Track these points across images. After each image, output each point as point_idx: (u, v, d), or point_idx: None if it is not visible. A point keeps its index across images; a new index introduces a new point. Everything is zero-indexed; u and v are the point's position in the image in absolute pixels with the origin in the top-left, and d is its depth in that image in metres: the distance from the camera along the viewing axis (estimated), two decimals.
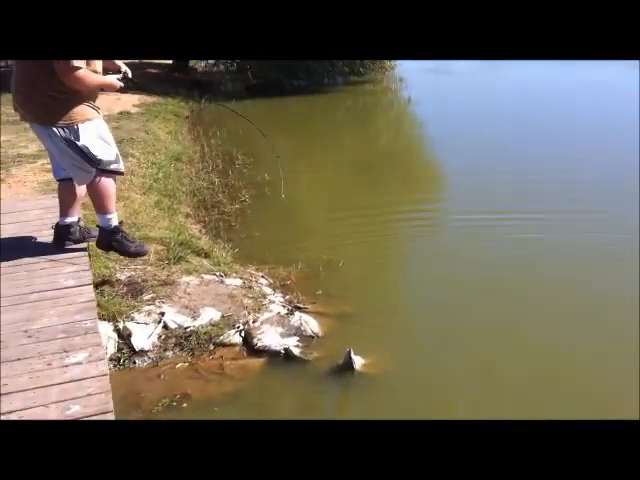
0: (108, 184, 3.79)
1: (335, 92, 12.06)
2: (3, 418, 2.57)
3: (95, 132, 3.65)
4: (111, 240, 3.92)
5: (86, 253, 4.11)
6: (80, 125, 3.58)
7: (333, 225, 5.73)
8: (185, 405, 3.35)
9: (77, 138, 3.59)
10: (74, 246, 4.11)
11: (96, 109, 3.67)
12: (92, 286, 3.69)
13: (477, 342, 3.88)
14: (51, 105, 3.52)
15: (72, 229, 4.02)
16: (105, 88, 3.76)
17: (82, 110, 3.58)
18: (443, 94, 12.04)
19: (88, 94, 3.60)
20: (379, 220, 5.94)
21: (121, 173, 3.90)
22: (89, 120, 3.61)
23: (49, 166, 6.00)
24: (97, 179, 3.76)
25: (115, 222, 3.90)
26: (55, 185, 5.53)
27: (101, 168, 3.71)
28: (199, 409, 3.33)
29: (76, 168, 3.72)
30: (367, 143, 9.17)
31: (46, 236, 4.34)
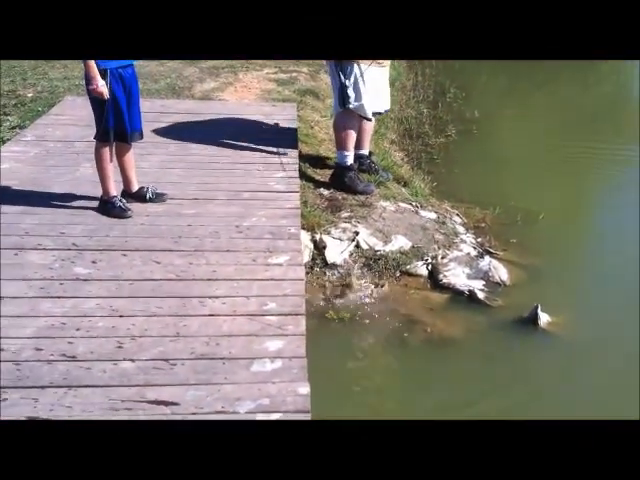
0: (351, 124, 4.29)
1: None
2: (210, 301, 2.87)
3: (361, 75, 4.12)
4: (344, 176, 4.39)
5: (297, 161, 4.36)
6: (353, 66, 4.09)
7: (538, 173, 5.48)
8: (367, 321, 3.51)
9: (345, 75, 4.12)
10: (287, 151, 4.45)
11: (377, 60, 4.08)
12: (299, 194, 3.93)
13: None
14: None
15: (362, 160, 4.59)
16: None
17: None
18: None
19: None
20: (588, 173, 5.60)
21: (368, 119, 4.34)
22: (363, 64, 4.09)
23: (273, 75, 6.36)
24: (342, 116, 4.30)
25: (350, 160, 4.39)
26: (276, 94, 5.87)
27: (347, 107, 4.21)
28: (377, 327, 3.47)
29: (335, 99, 4.30)
30: (584, 89, 8.53)
31: (263, 140, 4.65)
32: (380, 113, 4.58)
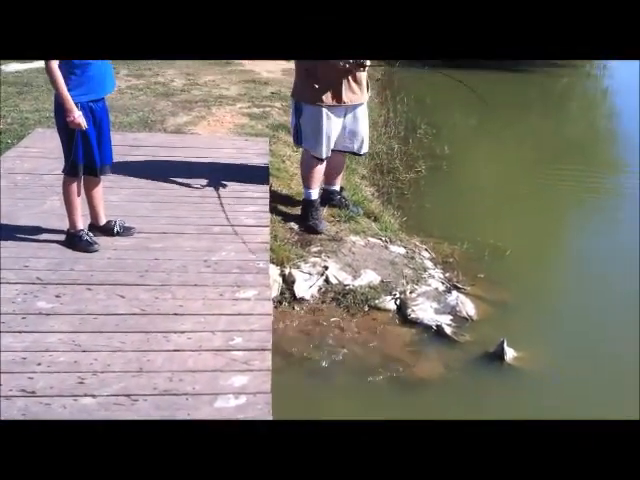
0: (309, 162, 4.36)
1: (532, 72, 11.56)
2: (175, 336, 2.85)
3: (311, 117, 4.19)
4: (304, 209, 4.45)
5: (267, 195, 4.39)
6: (304, 105, 4.18)
7: (506, 210, 5.57)
8: (335, 357, 3.50)
9: (298, 114, 4.24)
10: (257, 187, 4.47)
11: (323, 99, 4.12)
12: (269, 228, 3.94)
13: None
14: (300, 83, 4.19)
15: (333, 196, 4.71)
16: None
17: (311, 94, 4.12)
18: None
19: (327, 83, 4.11)
20: (557, 209, 5.70)
21: (318, 159, 4.34)
22: (311, 105, 4.15)
23: (247, 110, 6.42)
24: (303, 154, 4.44)
25: (313, 197, 4.43)
26: (249, 128, 5.92)
27: (301, 146, 4.36)
28: (345, 363, 3.46)
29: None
30: (553, 127, 8.73)
31: (233, 174, 4.67)
32: (356, 154, 4.58)
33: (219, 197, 4.31)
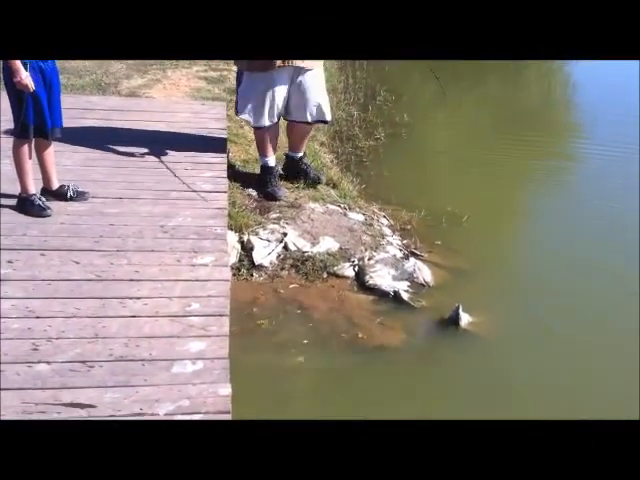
0: (257, 132, 4.29)
1: None
2: (130, 302, 2.81)
3: (250, 84, 4.08)
4: (260, 176, 4.41)
5: (225, 161, 4.34)
6: (245, 73, 4.07)
7: (464, 178, 5.62)
8: (293, 323, 3.52)
9: (237, 83, 4.16)
10: (214, 152, 4.42)
11: (259, 65, 3.95)
12: (227, 194, 3.90)
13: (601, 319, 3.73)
14: None
15: (294, 162, 4.59)
16: None
17: (248, 61, 3.95)
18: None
19: None
20: (512, 177, 5.79)
21: (258, 127, 4.25)
22: (252, 71, 4.02)
23: (203, 74, 6.30)
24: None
25: (270, 164, 4.37)
26: (205, 92, 5.82)
27: (239, 116, 4.28)
28: (304, 329, 3.48)
29: None
30: (511, 95, 8.81)
31: (190, 139, 4.60)
32: (319, 121, 4.44)
33: (176, 162, 4.24)
